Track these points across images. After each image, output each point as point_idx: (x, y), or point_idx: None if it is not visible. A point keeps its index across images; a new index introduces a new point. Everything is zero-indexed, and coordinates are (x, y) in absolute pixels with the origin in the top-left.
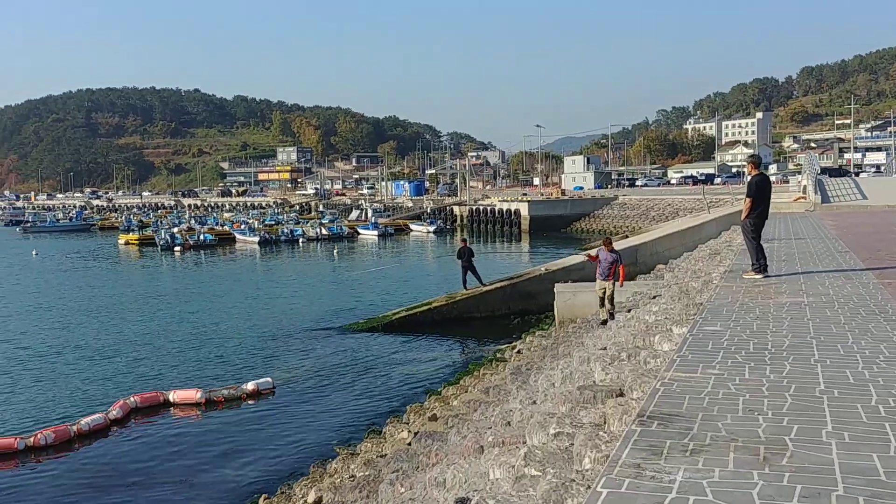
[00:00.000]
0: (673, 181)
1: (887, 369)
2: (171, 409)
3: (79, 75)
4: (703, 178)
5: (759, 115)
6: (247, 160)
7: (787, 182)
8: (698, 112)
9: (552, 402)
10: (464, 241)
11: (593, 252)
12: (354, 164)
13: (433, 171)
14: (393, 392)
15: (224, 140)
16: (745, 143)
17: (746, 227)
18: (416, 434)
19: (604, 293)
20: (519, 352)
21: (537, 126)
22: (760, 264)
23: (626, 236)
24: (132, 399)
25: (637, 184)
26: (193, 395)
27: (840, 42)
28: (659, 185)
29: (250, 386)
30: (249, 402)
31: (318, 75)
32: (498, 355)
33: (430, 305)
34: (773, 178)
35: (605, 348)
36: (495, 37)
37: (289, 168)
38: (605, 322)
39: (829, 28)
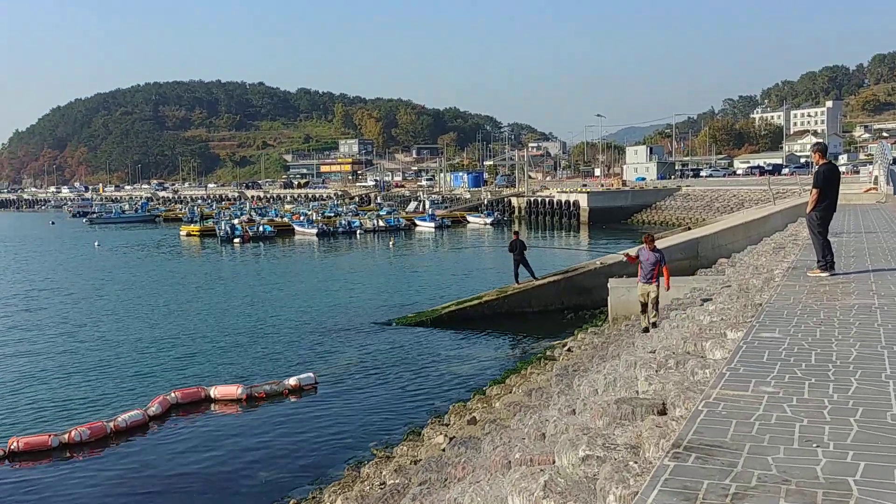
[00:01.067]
0: (739, 171)
1: None
2: (212, 405)
3: (146, 69)
4: (770, 168)
5: (829, 103)
6: (309, 152)
7: (858, 172)
8: (766, 101)
9: (590, 412)
10: (515, 233)
11: (633, 252)
12: (415, 155)
13: (491, 163)
14: (437, 389)
15: (287, 133)
16: (815, 133)
17: (812, 221)
18: (451, 440)
19: (646, 297)
20: (569, 350)
21: (598, 115)
22: (827, 261)
23: (689, 228)
24: (173, 395)
25: (701, 174)
26: (234, 390)
27: None
28: (724, 175)
29: (292, 381)
30: (291, 397)
31: (380, 67)
32: (548, 353)
33: (481, 299)
34: (842, 169)
35: (653, 351)
36: (557, 26)
37: (350, 160)
38: (646, 329)
39: None
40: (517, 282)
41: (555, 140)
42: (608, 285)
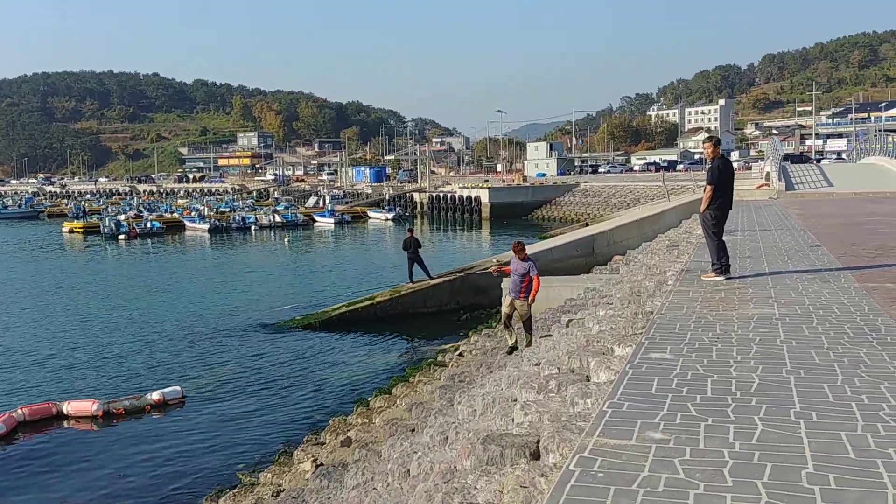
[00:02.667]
0: (636, 168)
1: None
2: (65, 422)
3: (34, 58)
4: (666, 164)
5: (722, 101)
6: (206, 145)
7: (750, 168)
8: (662, 99)
9: (460, 446)
10: (410, 231)
11: (506, 260)
12: (317, 149)
13: (392, 157)
14: (321, 400)
15: (183, 125)
16: (708, 130)
17: (707, 221)
18: (318, 467)
19: (512, 311)
20: (461, 354)
21: (499, 111)
22: (722, 264)
23: (587, 224)
24: (19, 412)
25: (600, 170)
26: (89, 406)
27: (801, 30)
28: (622, 171)
29: (155, 395)
30: (154, 413)
31: (280, 59)
32: (439, 358)
33: (373, 300)
34: (735, 165)
35: (538, 365)
36: (460, 22)
37: (249, 154)
38: (512, 350)
39: (791, 16)
40: (412, 281)
41: (458, 135)
42: (502, 285)
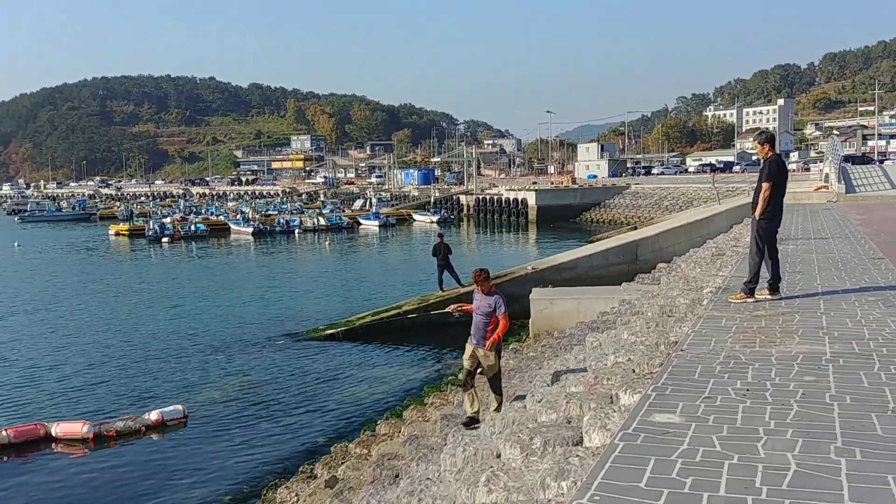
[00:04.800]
0: (691, 169)
1: None
2: (53, 445)
3: (94, 63)
4: (722, 165)
5: (781, 101)
6: (261, 148)
7: (808, 170)
8: (718, 99)
9: None
10: (440, 236)
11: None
12: (368, 152)
13: (438, 159)
14: (331, 420)
15: (238, 128)
16: (764, 130)
17: (761, 231)
18: None
19: (475, 366)
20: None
21: (548, 112)
22: (760, 283)
23: (635, 228)
24: (4, 433)
25: (653, 172)
26: (79, 428)
27: (863, 28)
28: (675, 172)
29: (153, 416)
30: (152, 435)
31: (334, 63)
32: (460, 375)
33: (400, 309)
34: (793, 167)
35: (540, 401)
36: (517, 23)
37: (302, 156)
38: (471, 422)
39: (852, 13)
40: (441, 289)
41: (511, 137)
42: (530, 297)
